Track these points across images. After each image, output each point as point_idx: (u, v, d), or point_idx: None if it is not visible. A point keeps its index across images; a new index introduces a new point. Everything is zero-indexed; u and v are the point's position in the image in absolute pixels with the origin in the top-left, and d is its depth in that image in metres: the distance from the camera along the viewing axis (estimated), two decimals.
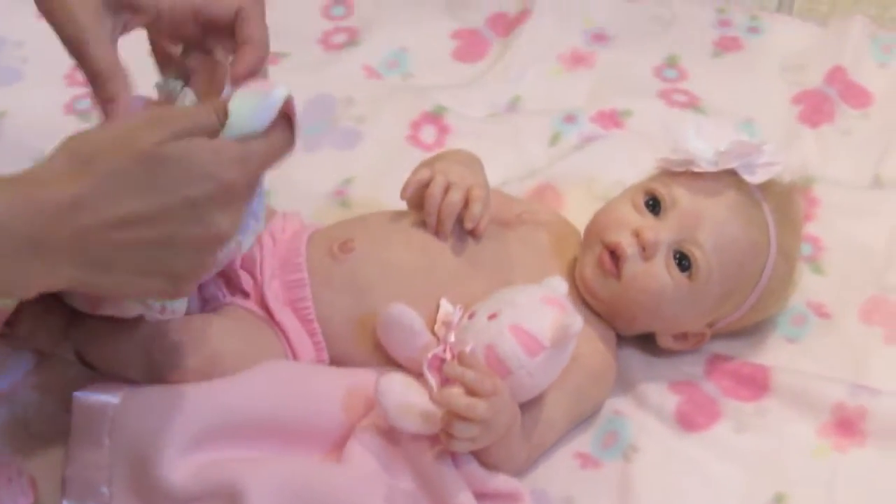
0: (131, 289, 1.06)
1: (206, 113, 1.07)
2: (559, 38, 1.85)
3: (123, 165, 0.99)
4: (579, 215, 1.53)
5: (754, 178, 1.38)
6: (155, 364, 1.27)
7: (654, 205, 1.39)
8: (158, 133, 1.01)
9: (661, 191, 1.39)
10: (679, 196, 1.38)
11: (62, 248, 0.98)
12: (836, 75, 1.78)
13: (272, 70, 1.71)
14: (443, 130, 1.70)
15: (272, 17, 1.79)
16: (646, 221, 1.38)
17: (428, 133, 1.70)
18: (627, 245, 1.36)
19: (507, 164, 1.66)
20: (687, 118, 1.72)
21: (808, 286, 1.52)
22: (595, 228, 1.41)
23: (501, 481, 1.29)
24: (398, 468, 1.28)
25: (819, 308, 1.52)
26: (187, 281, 1.08)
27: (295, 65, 1.81)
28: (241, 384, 1.28)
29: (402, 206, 1.45)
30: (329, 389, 1.30)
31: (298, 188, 1.63)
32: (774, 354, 1.47)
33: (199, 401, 1.26)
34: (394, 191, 1.56)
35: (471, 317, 1.29)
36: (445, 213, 1.36)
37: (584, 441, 1.39)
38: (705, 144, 1.39)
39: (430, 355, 1.27)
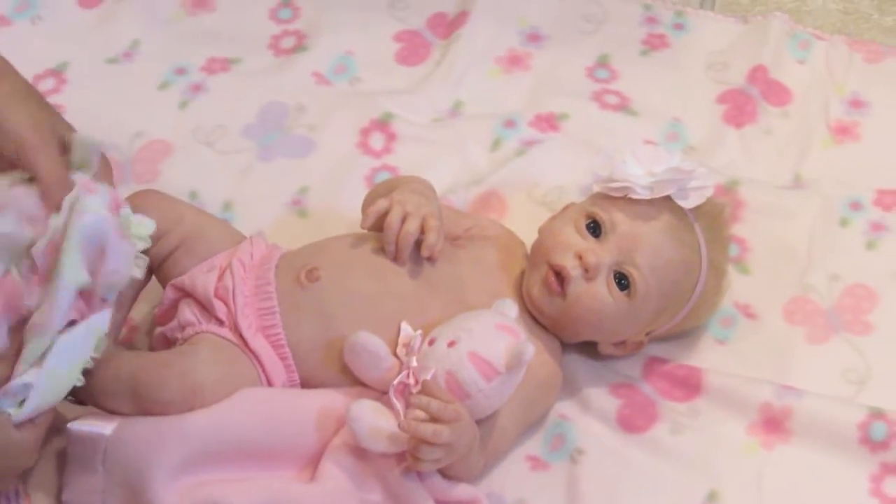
0: None
1: None
2: (496, 39, 1.94)
3: None
4: (522, 220, 1.66)
5: (687, 203, 1.50)
6: (140, 398, 1.36)
7: (594, 228, 1.50)
8: None
9: (602, 215, 1.50)
10: (618, 220, 1.49)
11: None
12: (758, 74, 1.88)
13: (223, 77, 1.82)
14: (390, 137, 1.80)
15: (220, 21, 1.91)
16: (588, 244, 1.49)
17: (377, 140, 1.80)
18: (572, 268, 1.47)
19: (452, 170, 1.75)
20: (618, 120, 1.83)
21: (736, 287, 1.63)
22: (541, 249, 1.52)
23: (461, 490, 1.42)
24: (368, 483, 1.39)
25: (746, 309, 1.64)
26: None
27: (247, 70, 1.89)
28: (222, 413, 1.38)
29: (357, 215, 1.55)
30: (302, 412, 1.41)
31: (257, 199, 1.73)
32: (706, 356, 1.59)
33: (184, 430, 1.36)
34: (347, 199, 1.70)
35: (431, 343, 1.40)
36: (403, 241, 1.46)
37: (533, 444, 1.51)
38: (641, 169, 1.50)
39: (395, 382, 1.38)
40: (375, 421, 1.36)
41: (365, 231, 1.52)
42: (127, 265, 1.32)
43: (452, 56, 1.90)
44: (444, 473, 1.41)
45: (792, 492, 1.48)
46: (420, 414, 1.34)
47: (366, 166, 1.77)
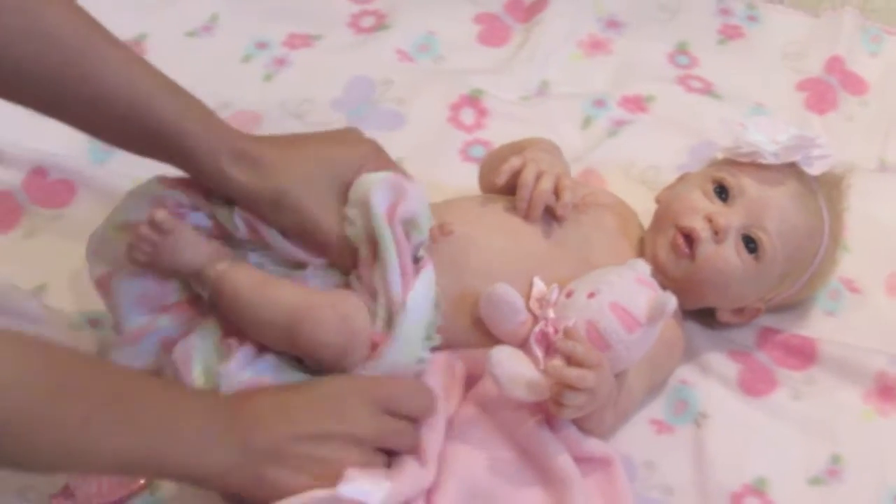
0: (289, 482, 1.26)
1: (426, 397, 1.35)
2: (576, 25, 1.97)
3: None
4: (622, 196, 1.64)
5: (812, 170, 1.51)
6: (296, 333, 1.33)
7: (722, 192, 1.51)
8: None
9: (730, 180, 1.51)
10: (746, 185, 1.50)
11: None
12: (835, 64, 1.92)
13: (306, 52, 1.81)
14: (481, 113, 1.80)
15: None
16: (717, 208, 1.49)
17: (467, 115, 1.80)
18: (702, 229, 1.48)
19: None
20: (705, 103, 1.85)
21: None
22: (668, 213, 1.52)
23: (595, 445, 1.40)
24: (497, 440, 1.38)
25: (850, 283, 1.65)
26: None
27: (329, 46, 1.89)
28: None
29: (455, 187, 1.54)
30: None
31: None
32: (816, 327, 1.60)
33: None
34: (443, 171, 1.69)
35: (568, 295, 1.40)
36: (537, 199, 1.46)
37: (656, 409, 1.51)
38: (765, 138, 1.51)
39: (536, 330, 1.38)
40: (515, 367, 1.34)
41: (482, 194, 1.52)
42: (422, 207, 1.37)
43: (535, 38, 1.92)
44: (578, 427, 1.40)
45: None
46: (560, 361, 1.33)
47: (459, 140, 1.77)
